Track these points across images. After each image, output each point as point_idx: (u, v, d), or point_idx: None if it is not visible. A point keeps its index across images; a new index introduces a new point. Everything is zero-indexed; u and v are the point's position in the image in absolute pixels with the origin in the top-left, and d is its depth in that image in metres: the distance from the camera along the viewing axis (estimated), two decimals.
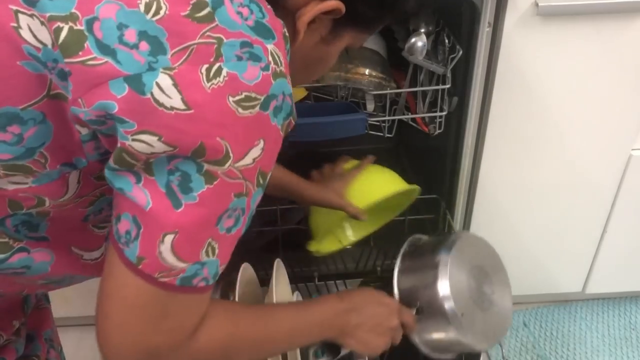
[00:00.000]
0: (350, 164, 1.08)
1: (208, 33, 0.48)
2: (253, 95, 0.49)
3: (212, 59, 0.47)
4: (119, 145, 0.47)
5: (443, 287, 0.83)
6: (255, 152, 0.51)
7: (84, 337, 1.53)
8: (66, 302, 1.41)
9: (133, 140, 0.47)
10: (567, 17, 1.01)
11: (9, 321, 0.67)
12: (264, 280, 1.07)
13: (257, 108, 0.49)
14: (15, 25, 0.46)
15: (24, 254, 0.56)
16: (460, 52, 1.04)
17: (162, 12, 0.47)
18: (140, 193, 0.49)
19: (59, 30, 0.46)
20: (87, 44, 0.46)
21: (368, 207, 1.00)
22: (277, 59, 0.51)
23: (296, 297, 0.98)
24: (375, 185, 1.03)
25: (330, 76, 1.09)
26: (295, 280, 1.22)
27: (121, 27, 0.46)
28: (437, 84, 1.09)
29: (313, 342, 0.81)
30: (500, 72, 1.07)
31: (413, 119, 1.14)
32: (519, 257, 1.40)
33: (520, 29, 1.01)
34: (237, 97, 0.48)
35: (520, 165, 1.22)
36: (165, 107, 0.46)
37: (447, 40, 1.06)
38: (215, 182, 0.49)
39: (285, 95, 0.52)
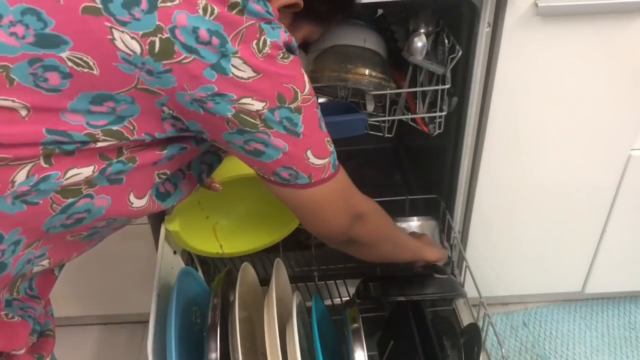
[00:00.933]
0: None
1: (247, 19, 0.65)
2: (285, 50, 0.69)
3: (257, 35, 0.66)
4: (234, 111, 0.67)
5: None
6: (306, 78, 0.73)
7: (83, 337, 1.53)
8: (66, 302, 1.41)
9: (239, 104, 0.67)
10: (567, 17, 1.01)
11: (46, 292, 0.80)
12: (264, 280, 1.07)
13: (291, 55, 0.70)
14: (110, 37, 0.61)
15: (88, 199, 0.69)
16: (460, 53, 1.04)
17: (215, 12, 0.63)
18: (276, 141, 0.72)
19: (153, 43, 0.62)
20: (176, 48, 0.62)
21: (223, 180, 1.02)
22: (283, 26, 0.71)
23: (296, 297, 0.98)
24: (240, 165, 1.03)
25: (330, 76, 1.09)
26: (295, 280, 1.23)
27: (195, 30, 0.63)
28: (437, 84, 1.09)
29: (409, 256, 1.06)
30: (500, 72, 1.07)
31: (413, 119, 1.14)
32: (519, 257, 1.40)
33: (519, 29, 1.02)
34: (280, 55, 0.68)
35: (520, 165, 1.22)
36: (245, 78, 0.66)
37: (446, 41, 1.07)
38: (302, 110, 0.72)
39: (295, 46, 0.72)
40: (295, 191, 0.78)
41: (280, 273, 1.03)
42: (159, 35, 0.62)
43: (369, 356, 0.91)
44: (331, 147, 0.79)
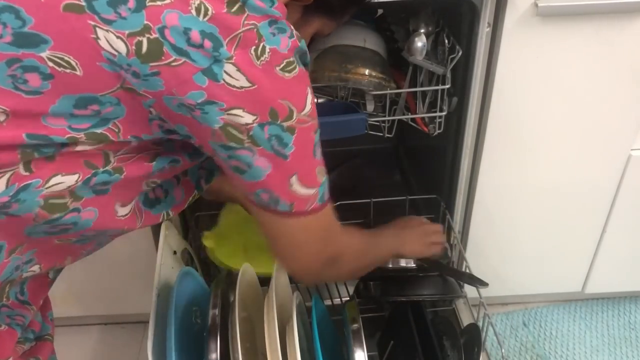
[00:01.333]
0: None
1: (246, 22, 0.60)
2: (290, 59, 0.63)
3: (256, 41, 0.60)
4: (222, 123, 0.62)
5: None
6: (309, 98, 0.67)
7: (83, 337, 1.53)
8: (66, 302, 1.41)
9: (227, 114, 0.61)
10: (567, 17, 1.01)
11: (38, 298, 0.76)
12: (264, 280, 1.07)
13: (297, 67, 0.64)
14: (94, 36, 0.58)
15: (75, 214, 0.66)
16: (460, 53, 1.04)
17: (209, 13, 0.59)
18: (260, 161, 0.65)
19: (140, 43, 0.58)
20: (165, 49, 0.58)
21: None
22: (291, 26, 0.64)
23: (296, 297, 0.98)
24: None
25: (330, 76, 1.09)
26: (295, 280, 1.23)
27: (186, 31, 0.58)
28: (437, 84, 1.09)
29: (385, 256, 1.03)
30: (500, 72, 1.07)
31: (413, 119, 1.14)
32: (519, 257, 1.40)
33: (519, 29, 1.02)
34: (281, 66, 0.62)
35: (520, 165, 1.22)
36: (237, 87, 0.60)
37: (446, 41, 1.07)
38: (296, 132, 0.65)
39: (306, 51, 0.67)
40: (273, 218, 0.71)
41: (280, 273, 1.03)
42: (147, 36, 0.58)
43: (369, 356, 0.91)
44: (322, 179, 0.72)
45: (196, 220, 1.30)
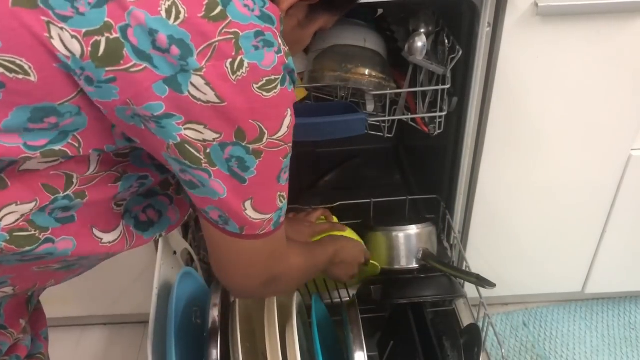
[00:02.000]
0: (322, 219, 1.15)
1: (225, 30, 0.53)
2: (273, 77, 0.56)
3: (233, 53, 0.53)
4: (178, 139, 0.55)
5: None
6: (287, 121, 0.60)
7: (84, 337, 1.53)
8: (66, 302, 1.41)
9: (185, 129, 0.55)
10: (567, 17, 1.01)
11: (17, 320, 0.70)
12: None
13: (279, 86, 0.57)
14: (47, 35, 0.51)
15: (49, 245, 0.59)
16: (460, 53, 1.04)
17: (181, 17, 0.52)
18: (215, 184, 0.59)
19: (97, 43, 0.51)
20: (125, 52, 0.51)
21: None
22: (282, 39, 0.58)
23: (296, 297, 0.98)
24: None
25: (330, 76, 1.09)
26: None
27: (152, 32, 0.51)
28: (437, 84, 1.09)
29: (319, 272, 0.97)
30: (500, 72, 1.07)
31: (413, 119, 1.14)
32: (519, 257, 1.40)
33: (520, 29, 1.02)
34: (260, 84, 0.55)
35: (520, 165, 1.22)
36: (203, 101, 0.54)
37: (446, 41, 1.07)
38: (262, 155, 0.59)
39: (293, 69, 0.60)
40: (219, 234, 0.65)
41: None
42: (106, 35, 0.51)
43: (369, 356, 0.91)
44: (281, 203, 0.66)
45: (196, 220, 1.30)
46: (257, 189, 0.61)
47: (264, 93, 0.56)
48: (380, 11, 1.26)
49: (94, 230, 0.63)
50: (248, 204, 0.62)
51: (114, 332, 1.54)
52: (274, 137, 0.59)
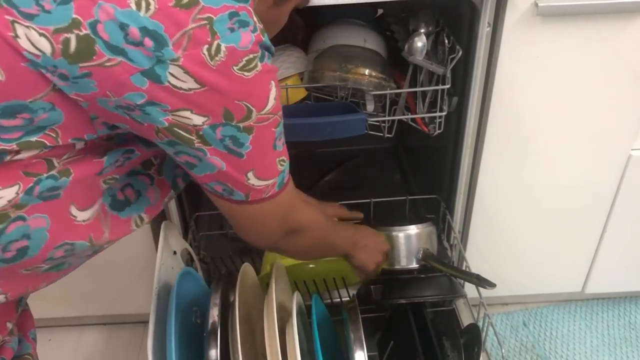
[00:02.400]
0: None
1: (198, 16, 0.52)
2: (252, 56, 0.56)
3: (209, 39, 0.53)
4: (166, 123, 0.56)
5: None
6: (272, 93, 0.60)
7: (83, 337, 1.52)
8: (66, 302, 1.41)
9: (172, 115, 0.55)
10: (567, 17, 1.01)
11: (3, 323, 0.69)
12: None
13: (258, 64, 0.57)
14: (12, 34, 0.50)
15: (20, 223, 0.57)
16: (460, 53, 1.04)
17: (152, 7, 0.51)
18: (213, 160, 0.60)
19: (67, 41, 0.50)
20: (97, 48, 0.50)
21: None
22: (257, 17, 0.58)
23: (296, 296, 0.98)
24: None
25: (330, 76, 1.09)
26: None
27: (123, 26, 0.50)
28: (437, 84, 1.09)
29: (337, 251, 0.97)
30: (500, 72, 1.07)
31: (413, 119, 1.14)
32: (519, 257, 1.40)
33: (520, 29, 1.02)
34: (240, 65, 0.55)
35: (520, 165, 1.22)
36: (185, 89, 0.54)
37: (446, 41, 1.07)
38: (254, 131, 0.60)
39: (270, 45, 0.60)
40: (228, 204, 0.69)
41: (280, 273, 1.03)
42: (76, 32, 0.50)
43: (369, 357, 0.91)
44: (282, 166, 0.68)
45: (196, 220, 1.30)
46: (256, 160, 0.63)
47: (245, 73, 0.56)
48: (380, 11, 1.26)
49: (71, 207, 0.61)
50: (251, 174, 0.64)
51: (113, 332, 1.54)
52: (263, 112, 0.60)
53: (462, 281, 1.21)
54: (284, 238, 0.78)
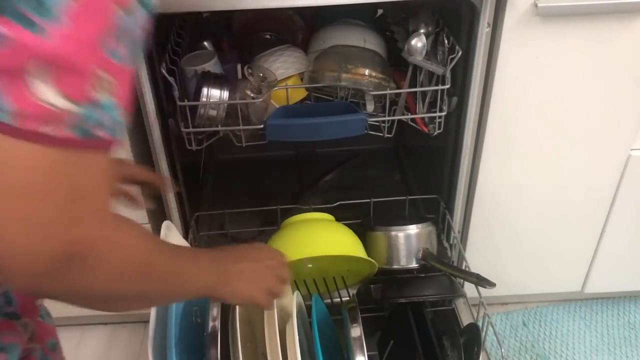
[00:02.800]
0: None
1: None
2: None
3: None
4: None
5: None
6: None
7: (84, 337, 1.53)
8: None
9: None
10: (567, 17, 1.01)
11: (32, 303, 0.61)
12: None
13: None
14: None
15: None
16: (460, 53, 1.04)
17: None
18: None
19: None
20: None
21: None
22: None
23: (296, 296, 0.98)
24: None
25: (330, 76, 1.09)
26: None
27: None
28: (437, 84, 1.09)
29: (193, 290, 0.66)
30: (500, 73, 1.07)
31: (413, 119, 1.14)
32: (518, 257, 1.40)
33: (519, 29, 1.02)
34: None
35: (519, 165, 1.22)
36: None
37: (446, 41, 1.07)
38: None
39: None
40: None
41: None
42: None
43: (369, 356, 0.91)
44: (102, 97, 0.40)
45: (197, 220, 1.30)
46: (61, 49, 0.37)
47: None
48: (380, 11, 1.27)
49: None
50: (44, 72, 0.37)
51: (114, 332, 1.54)
52: None
53: (462, 281, 1.21)
54: (59, 269, 0.42)
